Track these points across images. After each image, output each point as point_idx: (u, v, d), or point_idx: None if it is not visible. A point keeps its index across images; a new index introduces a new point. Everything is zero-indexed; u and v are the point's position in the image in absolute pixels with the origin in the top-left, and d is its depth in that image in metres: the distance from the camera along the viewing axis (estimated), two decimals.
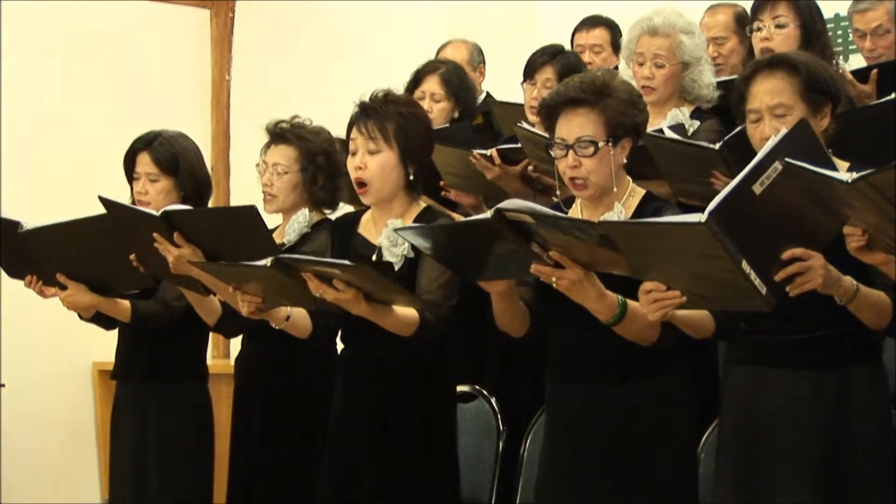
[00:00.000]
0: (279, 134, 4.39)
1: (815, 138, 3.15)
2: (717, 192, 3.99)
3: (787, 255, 2.97)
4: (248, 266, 3.67)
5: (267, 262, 3.57)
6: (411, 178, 3.85)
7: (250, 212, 3.87)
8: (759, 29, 4.54)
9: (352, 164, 3.85)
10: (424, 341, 3.74)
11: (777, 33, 4.49)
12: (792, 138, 3.02)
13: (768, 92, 3.39)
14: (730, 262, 2.90)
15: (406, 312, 3.67)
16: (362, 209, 4.03)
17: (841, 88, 3.46)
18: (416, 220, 3.81)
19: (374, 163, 3.81)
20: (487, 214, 3.18)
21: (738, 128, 3.95)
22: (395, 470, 3.80)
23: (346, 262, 3.52)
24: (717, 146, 4.03)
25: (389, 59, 6.53)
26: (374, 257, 3.80)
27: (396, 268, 3.77)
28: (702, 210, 2.90)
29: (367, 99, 3.87)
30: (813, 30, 4.51)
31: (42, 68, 7.38)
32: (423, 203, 3.92)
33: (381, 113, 3.81)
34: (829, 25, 6.04)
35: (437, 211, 3.95)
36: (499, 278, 3.42)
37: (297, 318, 3.95)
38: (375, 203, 3.88)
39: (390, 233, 3.80)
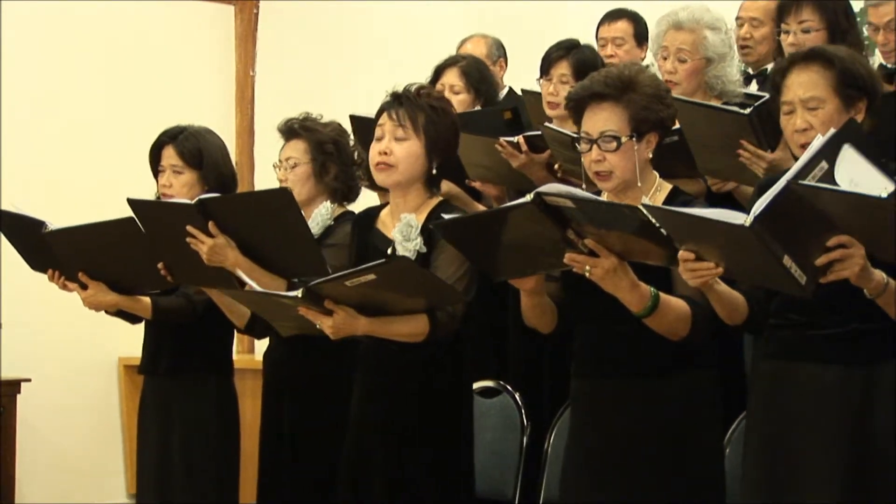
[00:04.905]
0: (289, 130, 4.42)
1: (863, 138, 3.11)
2: (743, 168, 4.01)
3: (833, 241, 2.98)
4: (280, 297, 3.69)
5: (298, 293, 3.60)
6: (433, 172, 3.84)
7: (284, 194, 3.91)
8: (786, 32, 4.52)
9: (376, 147, 3.83)
10: (440, 341, 3.74)
11: (805, 38, 4.47)
12: (840, 139, 3.00)
13: (802, 85, 3.38)
14: (771, 258, 2.92)
15: (411, 320, 3.69)
16: (383, 203, 4.02)
17: (877, 85, 3.44)
18: (431, 213, 3.79)
19: (400, 149, 3.79)
20: (527, 198, 3.18)
21: (767, 96, 3.94)
22: (407, 466, 3.79)
23: (381, 261, 3.53)
24: (747, 111, 4.03)
25: (412, 55, 6.53)
26: (388, 251, 3.80)
27: None
28: (729, 205, 2.91)
29: (399, 89, 3.87)
30: (839, 30, 4.49)
31: (66, 65, 7.41)
32: (440, 197, 3.90)
33: (413, 103, 3.82)
34: None
35: (454, 205, 3.95)
36: (528, 273, 3.42)
37: None
38: (394, 185, 3.84)
39: (404, 227, 3.79)
